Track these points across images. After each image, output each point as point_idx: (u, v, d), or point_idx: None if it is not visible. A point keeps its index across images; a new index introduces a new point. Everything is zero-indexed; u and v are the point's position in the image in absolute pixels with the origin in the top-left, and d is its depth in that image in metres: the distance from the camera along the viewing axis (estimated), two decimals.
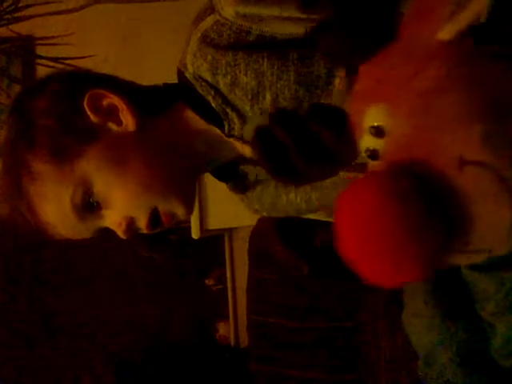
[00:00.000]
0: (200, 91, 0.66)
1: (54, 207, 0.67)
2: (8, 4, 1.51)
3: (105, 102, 0.68)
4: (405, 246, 0.28)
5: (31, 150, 0.67)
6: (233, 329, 2.07)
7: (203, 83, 0.65)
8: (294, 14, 0.56)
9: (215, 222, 1.74)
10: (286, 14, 0.57)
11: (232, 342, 2.08)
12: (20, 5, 1.52)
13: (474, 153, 0.29)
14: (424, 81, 0.32)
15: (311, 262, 1.30)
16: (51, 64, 1.47)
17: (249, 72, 0.61)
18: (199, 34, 0.63)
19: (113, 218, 0.68)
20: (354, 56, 0.36)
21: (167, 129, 0.70)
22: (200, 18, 0.64)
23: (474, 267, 0.60)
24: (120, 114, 0.68)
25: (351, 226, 0.31)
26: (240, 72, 0.61)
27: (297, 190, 0.75)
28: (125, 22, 1.73)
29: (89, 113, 0.67)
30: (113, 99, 0.68)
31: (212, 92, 0.65)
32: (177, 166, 0.70)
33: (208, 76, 0.64)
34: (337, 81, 0.60)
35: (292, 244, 1.34)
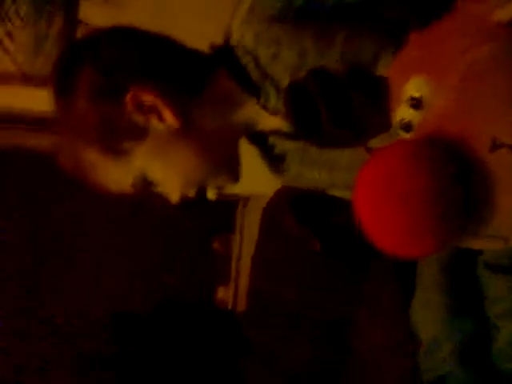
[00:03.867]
0: (242, 59, 0.66)
1: (114, 185, 0.71)
2: None
3: (147, 101, 0.67)
4: (423, 213, 0.28)
5: (84, 142, 0.69)
6: (232, 293, 2.10)
7: (245, 52, 0.65)
8: None
9: (233, 187, 1.74)
10: None
11: (229, 306, 2.11)
12: None
13: (508, 137, 0.28)
14: (474, 58, 0.31)
15: (324, 240, 1.30)
16: None
17: (292, 48, 0.60)
18: (248, 2, 0.62)
19: (167, 194, 0.73)
20: (411, 23, 0.35)
21: (210, 108, 0.70)
22: None
23: (489, 267, 0.59)
24: (163, 113, 0.68)
25: (370, 186, 0.31)
26: (282, 47, 0.61)
27: (320, 170, 0.75)
28: None
29: (132, 112, 0.67)
30: (149, 99, 0.67)
31: (253, 63, 0.65)
32: (221, 146, 0.71)
33: (251, 45, 0.63)
34: (381, 66, 0.59)
35: (306, 220, 1.33)
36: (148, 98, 0.67)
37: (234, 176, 0.74)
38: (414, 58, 0.35)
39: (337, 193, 0.84)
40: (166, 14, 1.59)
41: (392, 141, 0.42)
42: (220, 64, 0.70)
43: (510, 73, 0.29)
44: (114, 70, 0.68)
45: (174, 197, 0.73)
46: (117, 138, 0.68)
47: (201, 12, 1.52)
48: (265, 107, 0.68)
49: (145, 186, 0.71)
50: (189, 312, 2.04)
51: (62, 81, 0.71)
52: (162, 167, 0.69)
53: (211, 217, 2.08)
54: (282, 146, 0.76)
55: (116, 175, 0.71)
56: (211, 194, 0.79)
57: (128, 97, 0.67)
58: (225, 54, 0.68)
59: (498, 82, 0.29)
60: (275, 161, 0.79)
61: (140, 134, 0.68)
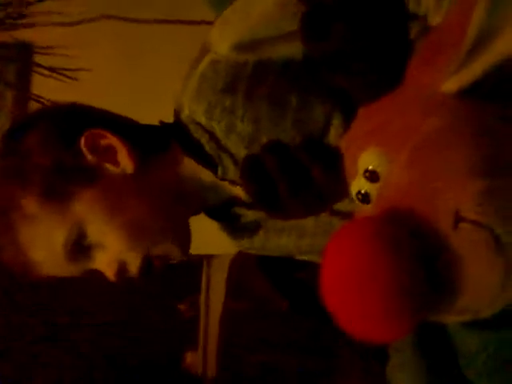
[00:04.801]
0: (194, 134, 0.65)
1: (44, 248, 0.66)
2: (12, 10, 1.51)
3: (103, 142, 0.66)
4: (389, 298, 0.27)
5: (24, 189, 0.64)
6: (201, 357, 2.02)
7: (198, 127, 0.64)
8: (290, 28, 0.55)
9: (196, 247, 1.71)
10: (284, 30, 0.56)
11: (199, 372, 2.03)
12: (24, 12, 1.51)
13: (471, 210, 0.28)
14: (427, 131, 0.31)
15: (292, 297, 1.28)
16: (47, 73, 1.46)
17: (245, 119, 0.60)
18: (197, 77, 0.62)
19: (104, 261, 0.67)
20: (363, 96, 0.35)
21: (164, 169, 0.69)
22: (197, 60, 0.64)
23: (460, 323, 0.59)
24: (118, 156, 0.66)
25: (336, 270, 0.29)
26: (236, 118, 0.61)
27: (288, 237, 0.74)
28: (130, 41, 1.72)
29: (86, 153, 0.65)
30: (111, 140, 0.66)
31: (207, 136, 0.64)
32: (172, 209, 0.68)
33: (203, 120, 0.63)
34: (333, 129, 0.60)
35: (273, 278, 1.31)
36: (104, 140, 0.65)
37: (183, 248, 0.71)
38: (366, 131, 0.35)
39: (304, 257, 0.83)
40: (118, 89, 1.60)
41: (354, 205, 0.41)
42: (172, 139, 0.69)
43: (463, 144, 0.30)
44: (70, 121, 0.67)
45: (112, 267, 0.66)
46: (62, 180, 0.63)
47: (153, 89, 1.54)
48: (224, 179, 0.68)
49: (79, 247, 0.64)
50: (157, 380, 1.95)
51: (14, 130, 0.68)
52: (103, 218, 0.64)
53: (175, 279, 2.03)
54: (245, 216, 0.75)
55: (49, 227, 0.64)
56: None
57: (83, 138, 0.64)
58: (176, 130, 0.68)
59: (453, 153, 0.29)
60: (240, 232, 0.77)
61: (88, 177, 0.64)
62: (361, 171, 0.35)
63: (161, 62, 1.64)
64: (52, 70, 1.46)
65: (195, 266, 2.02)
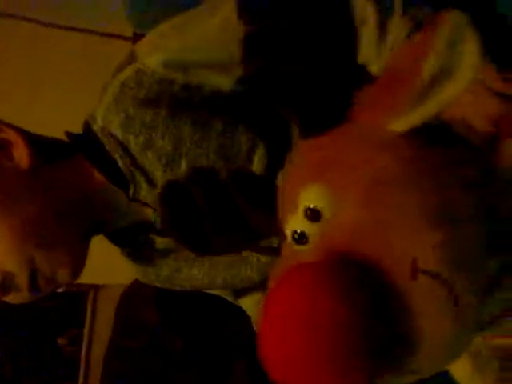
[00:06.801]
0: (107, 147, 0.60)
1: None
2: None
3: None
4: (335, 350, 0.24)
5: None
6: None
7: (111, 139, 0.59)
8: (223, 58, 0.54)
9: (82, 275, 1.58)
10: (217, 59, 0.54)
11: None
12: None
13: (429, 261, 0.25)
14: (378, 168, 0.29)
15: (188, 337, 1.20)
16: None
17: (166, 135, 0.56)
18: (118, 84, 0.57)
19: None
20: (306, 129, 0.33)
21: (64, 177, 0.63)
22: (119, 68, 0.59)
23: None
24: (13, 150, 0.60)
25: (279, 321, 0.25)
26: (156, 134, 0.56)
27: (200, 267, 0.69)
28: (27, 43, 1.60)
29: None
30: (8, 134, 0.61)
31: (120, 151, 0.59)
32: (67, 220, 0.62)
33: (118, 133, 0.58)
34: (256, 158, 0.58)
35: (169, 315, 1.23)
36: (1, 134, 0.60)
37: (73, 267, 0.63)
38: (308, 167, 0.33)
39: (214, 292, 0.78)
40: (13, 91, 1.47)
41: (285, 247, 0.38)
42: (78, 151, 0.63)
43: (415, 190, 0.28)
44: None
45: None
46: None
47: (59, 101, 1.44)
48: (134, 199, 0.62)
49: None
50: None
51: None
52: None
53: (57, 310, 1.87)
54: (154, 243, 0.69)
55: None
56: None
57: None
58: (84, 142, 0.62)
59: (406, 199, 0.27)
60: (145, 261, 0.71)
61: None
62: (301, 209, 0.32)
63: (62, 70, 1.54)
64: None
65: (79, 295, 1.88)
